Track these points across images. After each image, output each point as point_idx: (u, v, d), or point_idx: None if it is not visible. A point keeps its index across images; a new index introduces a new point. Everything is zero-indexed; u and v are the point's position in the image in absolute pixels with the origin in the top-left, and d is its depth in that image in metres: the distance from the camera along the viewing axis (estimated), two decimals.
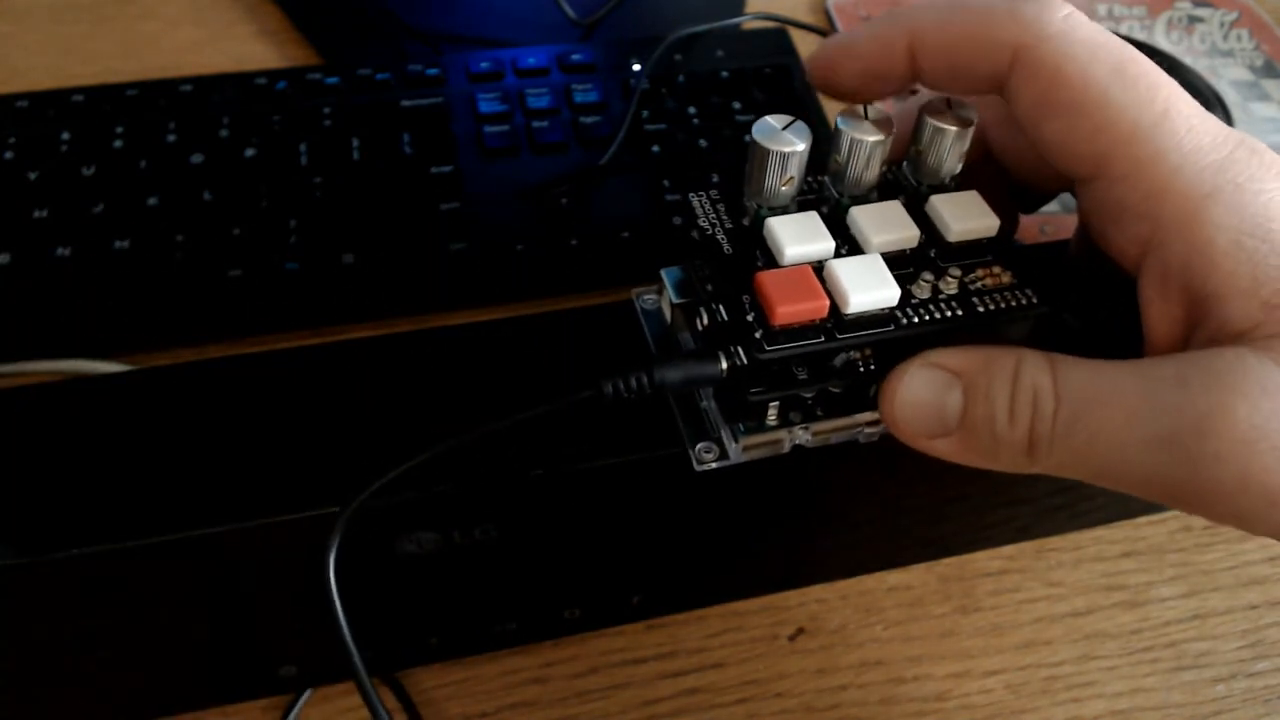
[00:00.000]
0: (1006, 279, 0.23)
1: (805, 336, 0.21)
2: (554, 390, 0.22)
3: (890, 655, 0.32)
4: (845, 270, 0.22)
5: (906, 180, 0.25)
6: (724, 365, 0.22)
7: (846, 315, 0.21)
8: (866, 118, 0.23)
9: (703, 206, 0.24)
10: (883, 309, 0.22)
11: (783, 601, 0.33)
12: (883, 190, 0.24)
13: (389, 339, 0.27)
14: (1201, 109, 0.20)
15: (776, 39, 0.48)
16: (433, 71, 0.44)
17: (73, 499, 0.23)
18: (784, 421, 0.23)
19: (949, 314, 0.22)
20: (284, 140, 0.41)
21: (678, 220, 0.40)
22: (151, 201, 0.39)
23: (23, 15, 0.49)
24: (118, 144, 0.40)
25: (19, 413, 0.25)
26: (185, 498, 0.23)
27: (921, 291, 0.22)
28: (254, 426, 0.25)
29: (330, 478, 0.23)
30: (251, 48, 0.49)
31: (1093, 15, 0.53)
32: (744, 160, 0.23)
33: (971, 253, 0.23)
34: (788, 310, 0.21)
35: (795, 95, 0.45)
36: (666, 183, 0.41)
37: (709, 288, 0.23)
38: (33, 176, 0.39)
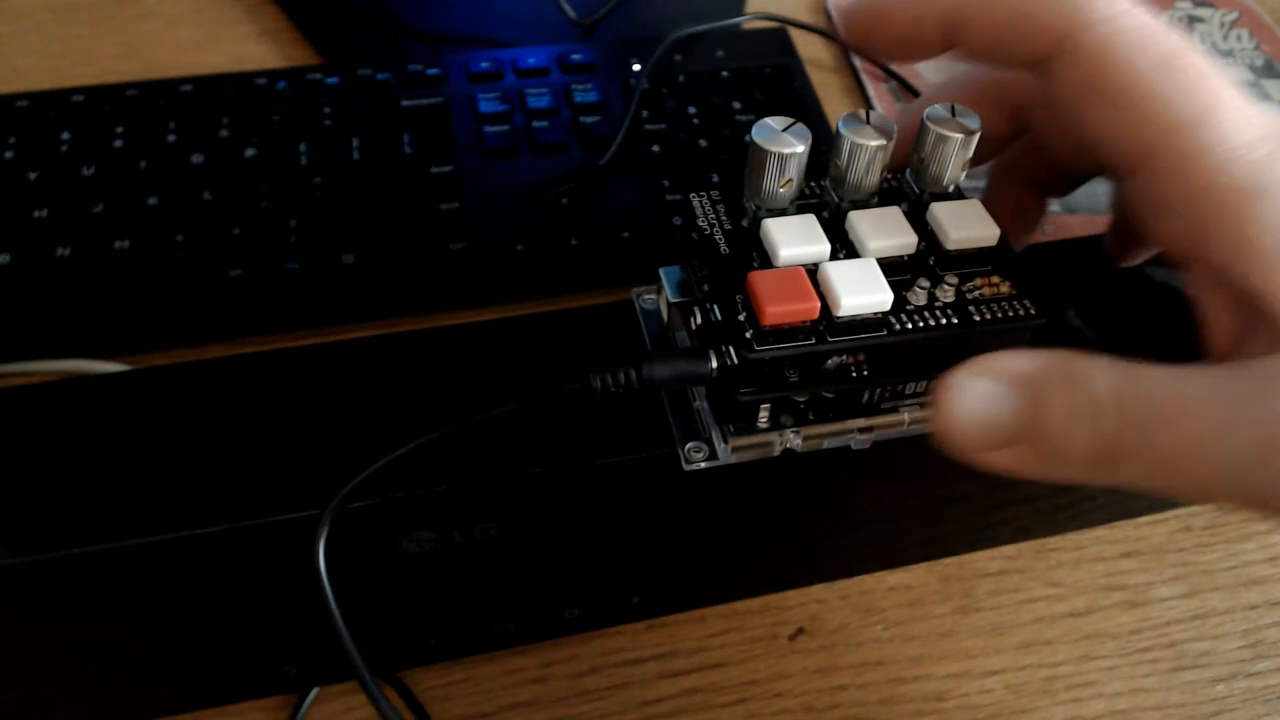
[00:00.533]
0: (1005, 289, 0.22)
1: (795, 338, 0.21)
2: (547, 386, 0.22)
3: (890, 655, 0.32)
4: (838, 273, 0.21)
5: (909, 187, 0.25)
6: (714, 364, 0.22)
7: (838, 318, 0.21)
8: (868, 122, 0.23)
9: (702, 207, 0.24)
10: (875, 313, 0.22)
11: (783, 601, 0.33)
12: (884, 196, 0.24)
13: (389, 339, 0.27)
14: (1250, 101, 0.20)
15: (776, 39, 0.48)
16: (433, 71, 0.44)
17: (72, 499, 0.23)
18: (775, 424, 0.23)
19: (944, 322, 0.22)
20: (284, 140, 0.41)
21: (678, 220, 0.40)
22: (151, 201, 0.39)
23: (23, 15, 0.49)
24: (118, 144, 0.40)
25: (19, 413, 0.25)
26: (185, 497, 0.23)
27: (917, 298, 0.22)
28: (254, 426, 0.25)
29: (330, 477, 0.23)
30: (251, 48, 0.49)
31: None
32: (744, 161, 0.23)
33: (970, 262, 0.23)
34: (777, 310, 0.21)
35: (795, 95, 0.45)
36: (666, 183, 0.41)
37: (705, 287, 0.23)
38: (33, 176, 0.39)
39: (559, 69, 0.45)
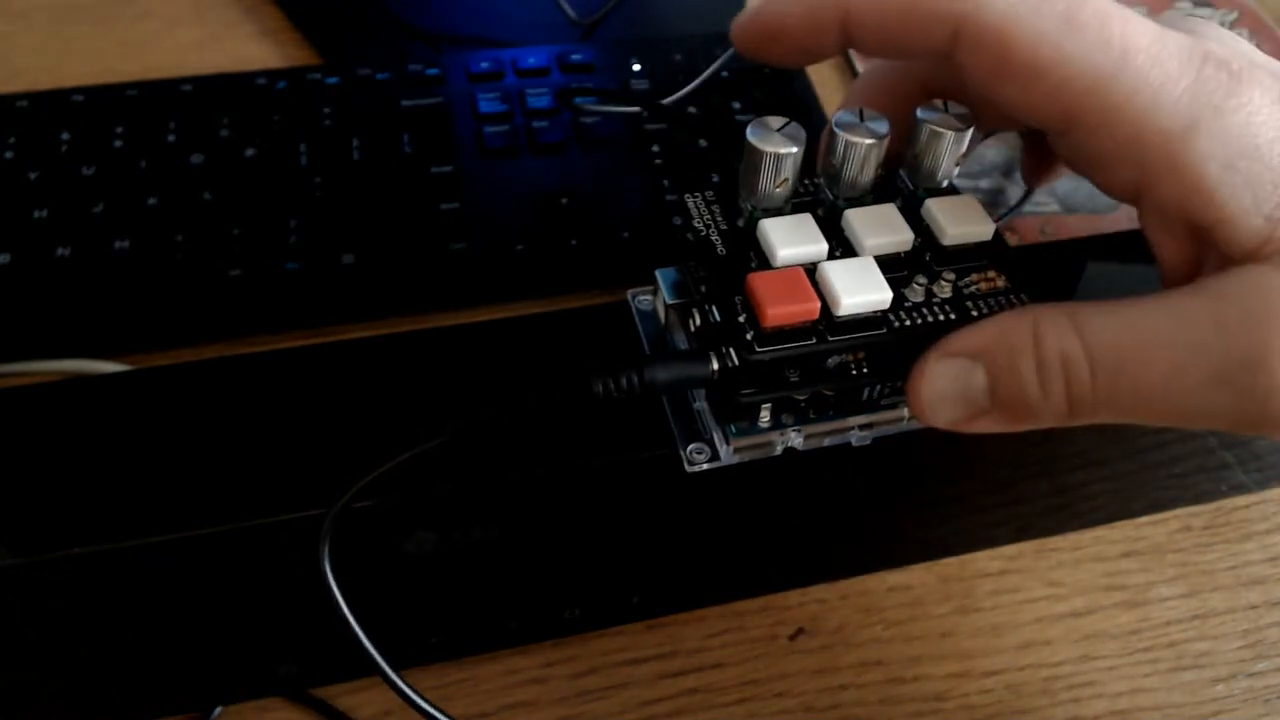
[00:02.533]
0: (1001, 283, 0.23)
1: (796, 339, 0.21)
2: (546, 390, 0.22)
3: (890, 655, 0.32)
4: (837, 272, 0.22)
5: (903, 183, 0.25)
6: (714, 366, 0.22)
7: (838, 318, 0.21)
8: (862, 121, 0.23)
9: (698, 207, 0.24)
10: (875, 312, 0.22)
11: (783, 601, 0.33)
12: (878, 193, 0.24)
13: (389, 339, 0.27)
14: (1159, 29, 0.20)
15: None
16: (433, 71, 0.44)
17: (72, 499, 0.23)
18: (776, 424, 0.23)
19: (942, 318, 0.22)
20: (284, 140, 0.41)
21: (677, 220, 0.39)
22: (151, 201, 0.39)
23: (23, 15, 0.49)
24: (118, 144, 0.40)
25: (19, 413, 0.25)
26: (185, 498, 0.23)
27: (915, 295, 0.22)
28: (254, 427, 0.25)
29: (330, 478, 0.23)
30: (251, 48, 0.49)
31: None
32: (739, 160, 0.23)
33: (966, 257, 0.23)
34: (778, 312, 0.21)
35: (795, 95, 0.45)
36: (666, 183, 0.41)
37: (703, 289, 0.23)
38: (33, 176, 0.39)
39: (559, 69, 0.45)
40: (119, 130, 0.41)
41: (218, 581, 0.25)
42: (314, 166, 0.40)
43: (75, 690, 0.27)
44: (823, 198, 0.24)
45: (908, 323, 0.22)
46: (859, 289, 0.21)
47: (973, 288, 0.22)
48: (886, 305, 0.22)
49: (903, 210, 0.23)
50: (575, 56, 0.45)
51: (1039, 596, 0.33)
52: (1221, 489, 0.35)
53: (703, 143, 0.42)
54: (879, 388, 0.23)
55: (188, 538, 0.23)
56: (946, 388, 0.21)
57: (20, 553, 0.22)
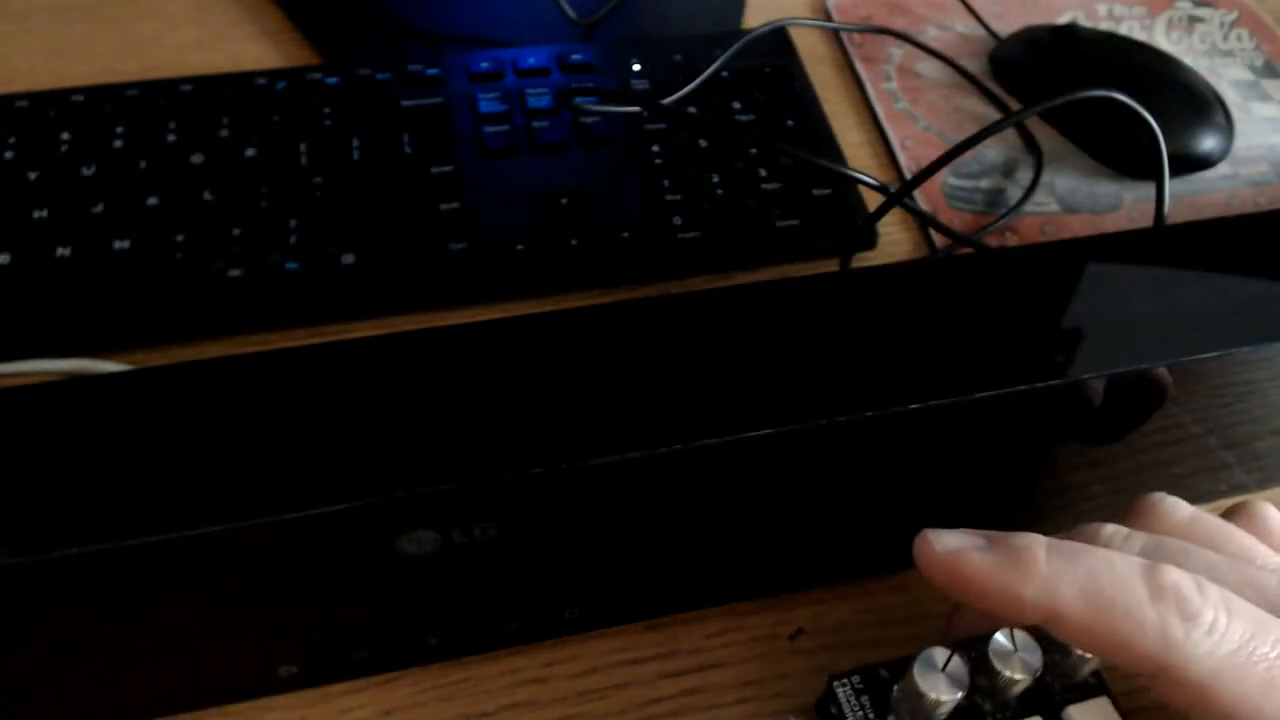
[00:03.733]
0: None
1: None
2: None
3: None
4: None
5: (1044, 680, 0.26)
6: None
7: None
8: (1016, 650, 0.25)
9: (849, 699, 0.26)
10: None
11: (783, 601, 0.33)
12: (1025, 701, 0.26)
13: (389, 338, 0.27)
14: None
15: (776, 39, 0.48)
16: (433, 71, 0.44)
17: (73, 499, 0.23)
18: None
19: None
20: (284, 140, 0.41)
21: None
22: (151, 201, 0.39)
23: (23, 15, 0.49)
24: (118, 144, 0.40)
25: (19, 413, 0.25)
26: (185, 497, 0.23)
27: None
28: (254, 426, 0.25)
29: (331, 477, 0.23)
30: (251, 48, 0.49)
31: (1093, 16, 0.53)
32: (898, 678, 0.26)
33: None
34: None
35: (795, 95, 0.45)
36: (666, 183, 0.41)
37: None
38: (33, 176, 0.39)
39: (559, 69, 0.45)
40: (119, 130, 0.41)
41: (217, 581, 0.25)
42: (314, 166, 0.40)
43: (74, 690, 0.27)
44: (975, 706, 0.26)
45: None
46: None
47: None
48: None
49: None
50: (575, 56, 0.45)
51: None
52: (1221, 489, 0.35)
53: (703, 143, 0.42)
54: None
55: (187, 537, 0.23)
56: None
57: (20, 553, 0.22)
